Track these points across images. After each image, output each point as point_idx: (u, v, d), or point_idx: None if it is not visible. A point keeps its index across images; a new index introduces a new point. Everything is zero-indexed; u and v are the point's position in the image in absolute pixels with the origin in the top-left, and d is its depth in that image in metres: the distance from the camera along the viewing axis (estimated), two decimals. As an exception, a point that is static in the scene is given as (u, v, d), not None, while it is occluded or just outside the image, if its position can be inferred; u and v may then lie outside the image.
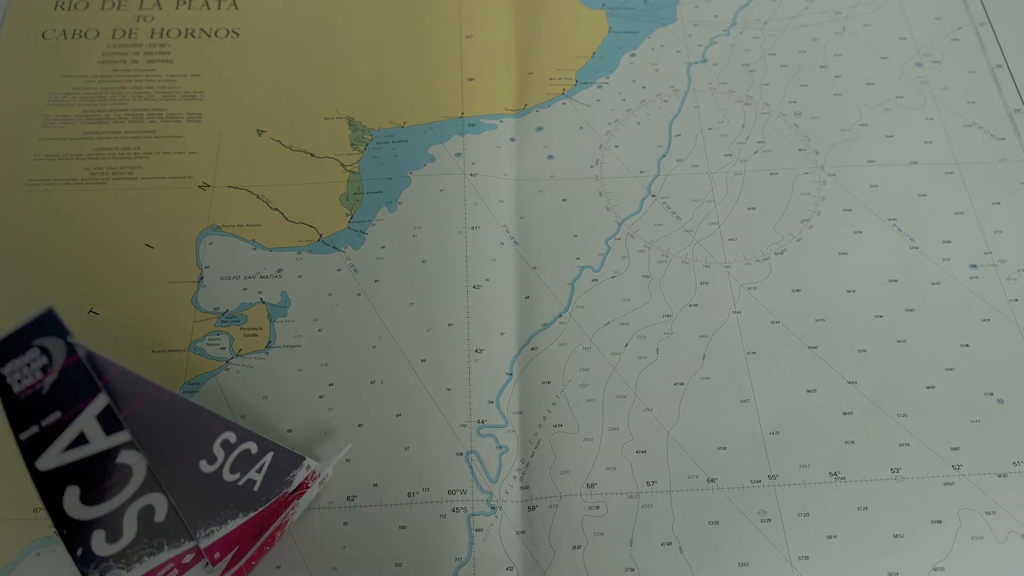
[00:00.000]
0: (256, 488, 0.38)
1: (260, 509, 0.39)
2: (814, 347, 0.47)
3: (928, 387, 0.46)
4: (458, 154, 0.53)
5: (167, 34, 0.58)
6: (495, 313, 0.48)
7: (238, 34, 0.58)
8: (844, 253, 0.50)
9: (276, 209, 0.51)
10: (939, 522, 0.43)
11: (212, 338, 0.48)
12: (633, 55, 0.57)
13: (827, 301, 0.49)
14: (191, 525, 0.36)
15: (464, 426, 0.46)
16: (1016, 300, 0.49)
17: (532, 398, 0.46)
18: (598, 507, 0.43)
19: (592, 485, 0.44)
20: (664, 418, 0.46)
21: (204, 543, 0.37)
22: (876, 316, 0.48)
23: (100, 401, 0.30)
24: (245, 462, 0.37)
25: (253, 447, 0.37)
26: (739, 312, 0.48)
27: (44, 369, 0.28)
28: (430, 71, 0.56)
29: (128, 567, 0.34)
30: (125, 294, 0.49)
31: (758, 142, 0.54)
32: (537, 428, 0.45)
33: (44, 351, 0.27)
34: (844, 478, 0.44)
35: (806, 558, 0.42)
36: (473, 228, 0.51)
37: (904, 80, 0.56)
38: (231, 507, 0.38)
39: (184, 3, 0.59)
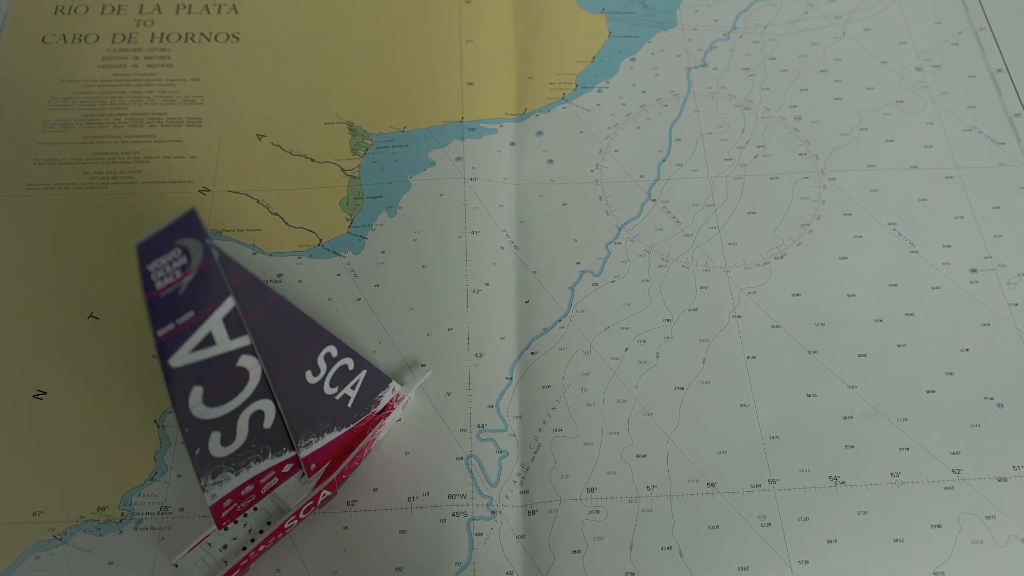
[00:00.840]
0: (350, 404, 0.41)
1: (352, 425, 0.42)
2: (814, 351, 0.48)
3: (928, 391, 0.47)
4: (458, 158, 0.53)
5: (167, 38, 0.59)
6: (495, 317, 0.49)
7: (238, 39, 0.59)
8: (844, 257, 0.51)
9: (276, 214, 0.52)
10: (939, 526, 0.44)
11: (212, 343, 0.48)
12: (633, 59, 0.58)
13: (827, 305, 0.49)
14: (294, 434, 0.38)
15: (464, 430, 0.46)
16: (1016, 304, 0.49)
17: (532, 402, 0.47)
18: (598, 511, 0.44)
19: (592, 489, 0.44)
20: (664, 422, 0.46)
21: (303, 453, 0.40)
22: (876, 320, 0.49)
23: (228, 304, 0.31)
24: (343, 377, 0.40)
25: (350, 363, 0.40)
26: (739, 316, 0.49)
27: (183, 269, 0.29)
28: (430, 76, 0.57)
29: (237, 471, 0.37)
30: (125, 299, 0.49)
31: (758, 146, 0.54)
32: (537, 432, 0.46)
33: (184, 251, 0.29)
34: (844, 482, 0.45)
35: (806, 562, 0.43)
36: (473, 232, 0.51)
37: (904, 84, 0.57)
38: (328, 421, 0.40)
39: (184, 7, 0.60)
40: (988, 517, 0.44)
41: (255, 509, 0.42)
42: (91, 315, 0.49)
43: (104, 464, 0.45)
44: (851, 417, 0.46)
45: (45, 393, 0.47)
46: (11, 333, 0.48)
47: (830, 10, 0.60)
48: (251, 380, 0.34)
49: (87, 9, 0.60)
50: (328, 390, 0.39)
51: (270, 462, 0.38)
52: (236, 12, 0.60)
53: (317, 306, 0.49)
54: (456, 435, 0.46)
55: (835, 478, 0.45)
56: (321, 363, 0.38)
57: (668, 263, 0.51)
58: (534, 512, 0.44)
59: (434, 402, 0.47)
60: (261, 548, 0.42)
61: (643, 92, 0.56)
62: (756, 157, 0.54)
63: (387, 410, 0.44)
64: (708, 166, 0.54)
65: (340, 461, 0.43)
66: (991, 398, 0.47)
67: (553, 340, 0.48)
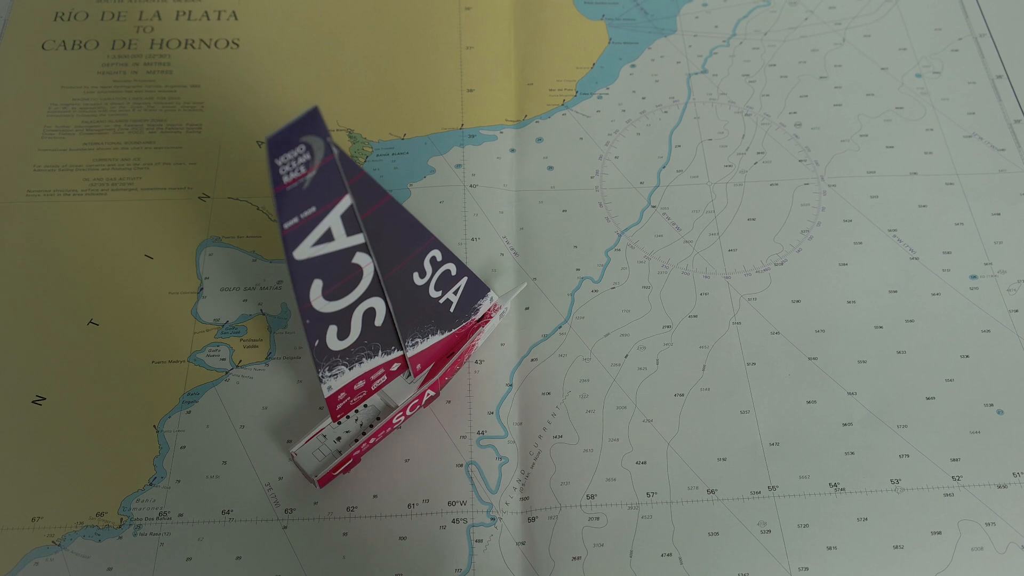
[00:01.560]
0: (452, 309, 0.44)
1: (453, 330, 0.45)
2: (814, 358, 0.49)
3: (928, 398, 0.48)
4: (458, 165, 0.54)
5: (167, 45, 0.59)
6: (495, 324, 0.50)
7: (238, 45, 0.59)
8: (844, 264, 0.51)
9: (276, 220, 0.53)
10: (939, 533, 0.44)
11: (212, 349, 0.49)
12: (633, 66, 0.59)
13: (827, 312, 0.50)
14: (402, 333, 0.42)
15: (464, 438, 0.47)
16: (1016, 311, 0.50)
17: (532, 409, 0.47)
18: (598, 518, 0.44)
19: (592, 496, 0.45)
20: (664, 429, 0.47)
21: (410, 353, 0.43)
22: (876, 327, 0.50)
23: (345, 202, 0.34)
24: (446, 282, 0.43)
25: (453, 269, 0.42)
26: (739, 323, 0.50)
27: (307, 165, 0.31)
28: (430, 82, 0.57)
29: (350, 365, 0.40)
30: (125, 305, 0.50)
31: (758, 153, 0.55)
32: (537, 439, 0.46)
33: (308, 148, 0.31)
34: (844, 489, 0.45)
35: (806, 569, 0.43)
36: (473, 239, 0.52)
37: (904, 91, 0.58)
38: (432, 323, 0.44)
39: (184, 14, 0.61)
40: (988, 524, 0.44)
41: (365, 406, 0.46)
42: (90, 321, 0.50)
43: (103, 469, 0.46)
44: (851, 424, 0.47)
45: (44, 399, 0.47)
46: (11, 339, 0.49)
47: (830, 16, 0.61)
48: (364, 277, 0.38)
49: (87, 16, 0.60)
50: (433, 293, 0.42)
51: (380, 359, 0.42)
52: (236, 19, 0.61)
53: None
54: (456, 442, 0.47)
55: (835, 485, 0.45)
56: (427, 266, 0.41)
57: (668, 269, 0.51)
58: (534, 519, 0.44)
59: (434, 409, 0.47)
60: (372, 440, 0.45)
61: (643, 98, 0.57)
62: (756, 163, 0.55)
63: (486, 318, 0.47)
64: (708, 172, 0.55)
65: (443, 364, 0.46)
66: (991, 405, 0.47)
67: (553, 346, 0.49)
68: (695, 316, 0.50)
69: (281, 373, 0.48)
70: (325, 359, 0.39)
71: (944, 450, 0.46)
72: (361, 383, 0.42)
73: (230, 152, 0.55)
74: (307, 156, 0.31)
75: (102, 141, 0.55)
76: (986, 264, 0.51)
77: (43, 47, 0.59)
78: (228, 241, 0.52)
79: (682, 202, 0.54)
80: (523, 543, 0.44)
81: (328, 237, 0.34)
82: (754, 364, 0.48)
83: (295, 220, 0.33)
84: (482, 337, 0.48)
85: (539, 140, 0.56)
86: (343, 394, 0.42)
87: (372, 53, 0.59)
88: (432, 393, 0.47)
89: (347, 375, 0.41)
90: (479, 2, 0.61)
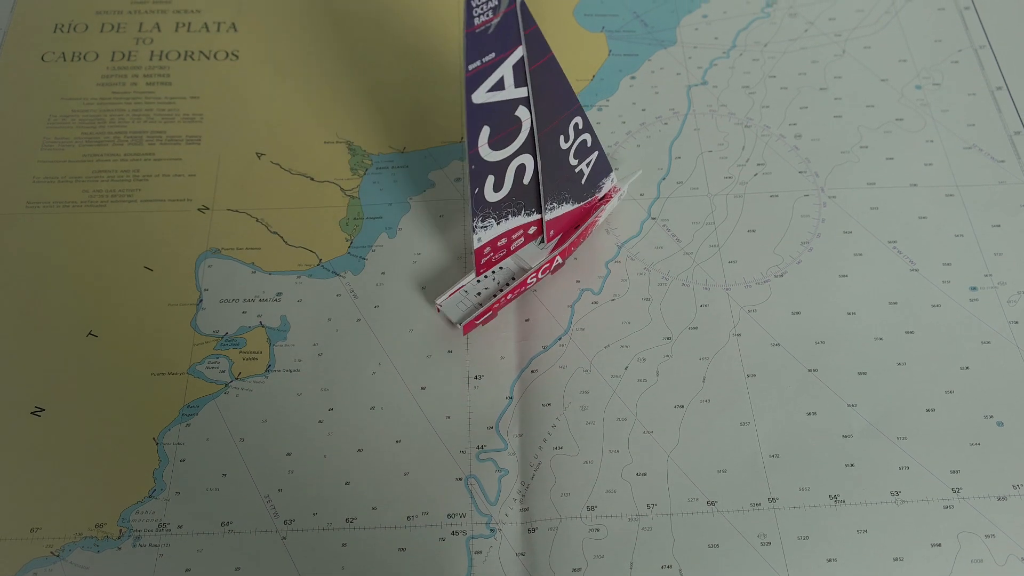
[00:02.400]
0: (583, 181, 0.50)
1: (581, 204, 0.51)
2: (814, 370, 0.50)
3: (928, 410, 0.49)
4: (458, 179, 0.55)
5: (166, 56, 0.61)
6: (495, 337, 0.51)
7: (237, 57, 0.61)
8: (844, 275, 0.53)
9: (275, 233, 0.54)
10: (939, 545, 0.45)
11: (211, 361, 0.50)
12: (633, 78, 0.60)
13: (827, 323, 0.51)
14: (544, 194, 0.47)
15: (464, 452, 0.48)
16: (1016, 322, 0.51)
17: (532, 421, 0.48)
18: (598, 529, 0.45)
19: (592, 507, 0.46)
20: (664, 441, 0.48)
21: (547, 216, 0.49)
22: (876, 339, 0.51)
23: (519, 52, 0.39)
24: (582, 152, 0.48)
25: (588, 140, 0.48)
26: (739, 335, 0.51)
27: (494, 10, 0.36)
28: (430, 96, 0.59)
29: (498, 220, 0.47)
30: (124, 317, 0.51)
31: (758, 164, 0.56)
32: (537, 450, 0.47)
33: None
34: (844, 501, 0.46)
35: (806, 581, 0.44)
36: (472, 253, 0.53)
37: (904, 102, 0.59)
38: (566, 192, 0.49)
39: (183, 26, 0.62)
40: (987, 536, 0.45)
41: (500, 268, 0.51)
42: (90, 333, 0.51)
43: (102, 481, 0.47)
44: (851, 435, 0.48)
45: (43, 410, 0.48)
46: (10, 350, 0.50)
47: (830, 28, 0.62)
48: (522, 132, 0.43)
49: (86, 27, 0.62)
50: (572, 160, 0.47)
51: (521, 219, 0.48)
52: (235, 30, 0.62)
53: (316, 326, 0.51)
54: (456, 457, 0.48)
55: (835, 496, 0.46)
56: (571, 131, 0.46)
57: (668, 281, 0.52)
58: (534, 530, 0.45)
59: (433, 425, 0.48)
60: (508, 296, 0.51)
61: (643, 110, 0.58)
62: (756, 175, 0.56)
63: (607, 197, 0.53)
64: (708, 184, 0.56)
65: (569, 234, 0.52)
66: (991, 416, 0.48)
67: (553, 358, 0.50)
68: (695, 328, 0.51)
69: (281, 386, 0.49)
70: (480, 209, 0.45)
71: (944, 462, 0.47)
72: (503, 241, 0.49)
73: (230, 164, 0.56)
74: (495, 1, 0.36)
75: (101, 153, 0.57)
76: (986, 276, 0.53)
77: (43, 59, 0.60)
78: (228, 253, 0.53)
79: (682, 214, 0.55)
80: (523, 554, 0.45)
81: (500, 86, 0.40)
82: (754, 376, 0.49)
83: (477, 63, 0.38)
84: (603, 215, 0.53)
85: (539, 152, 0.57)
86: (488, 249, 0.48)
87: (372, 66, 0.60)
88: (560, 260, 0.52)
89: (494, 229, 0.47)
90: (479, 14, 0.62)
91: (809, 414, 0.48)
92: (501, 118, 0.42)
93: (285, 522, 0.46)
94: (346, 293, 0.52)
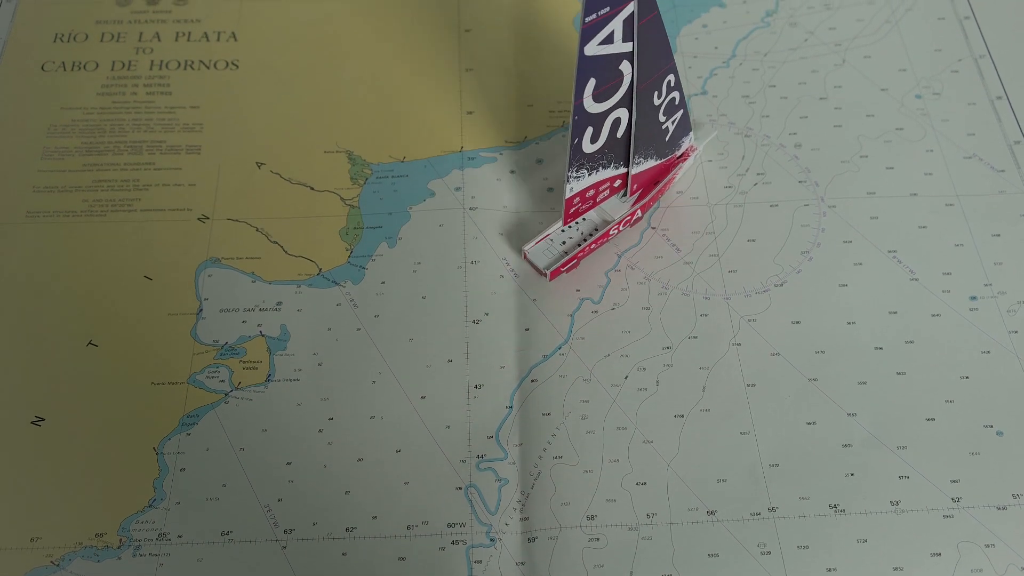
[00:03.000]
0: (667, 138, 0.54)
1: (663, 160, 0.55)
2: (814, 379, 0.51)
3: (928, 419, 0.49)
4: (458, 188, 0.56)
5: (166, 66, 0.62)
6: (495, 347, 0.52)
7: (237, 66, 0.62)
8: (844, 285, 0.53)
9: (275, 242, 0.55)
10: (938, 555, 0.46)
11: (211, 371, 0.51)
12: (633, 87, 0.61)
13: (827, 333, 0.52)
14: (634, 148, 0.51)
15: (464, 462, 0.49)
16: (1016, 332, 0.52)
17: (532, 430, 0.49)
18: (598, 539, 0.46)
19: (592, 517, 0.47)
20: (664, 450, 0.48)
21: (633, 170, 0.53)
22: (876, 348, 0.51)
23: (630, 7, 0.43)
24: (670, 109, 0.52)
25: (677, 98, 0.52)
26: (739, 344, 0.52)
27: None
28: (430, 105, 0.60)
29: (590, 171, 0.51)
30: (124, 326, 0.52)
31: (758, 174, 0.57)
32: (537, 460, 0.48)
33: None
34: (844, 510, 0.47)
35: (806, 590, 0.45)
36: (473, 262, 0.54)
37: (904, 112, 0.60)
38: (652, 148, 0.53)
39: (183, 35, 0.63)
40: (987, 546, 0.46)
41: (584, 219, 0.55)
42: (90, 342, 0.52)
43: (102, 491, 0.47)
44: (851, 445, 0.49)
45: (44, 419, 0.49)
46: (10, 360, 0.51)
47: (830, 37, 0.63)
48: (622, 87, 0.47)
49: (86, 37, 0.63)
50: (661, 117, 0.51)
51: (610, 172, 0.52)
52: (235, 40, 0.63)
53: (316, 336, 0.52)
54: (456, 466, 0.48)
55: (835, 506, 0.47)
56: (664, 88, 0.50)
57: (668, 291, 0.53)
58: (534, 539, 0.46)
59: (433, 435, 0.49)
60: (592, 245, 0.54)
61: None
62: (756, 184, 0.57)
63: (685, 155, 0.56)
64: (708, 194, 0.57)
65: (649, 190, 0.55)
66: (991, 426, 0.49)
67: (553, 367, 0.51)
68: (695, 337, 0.52)
69: (281, 396, 0.50)
70: (576, 159, 0.49)
71: (944, 471, 0.48)
72: (591, 192, 0.52)
73: (230, 173, 0.57)
74: None
75: (101, 162, 0.58)
76: (986, 285, 0.53)
77: (43, 68, 0.61)
78: (228, 262, 0.54)
79: (682, 223, 0.56)
80: (523, 563, 0.46)
81: (610, 39, 0.44)
82: (754, 385, 0.50)
83: (593, 16, 0.42)
84: (680, 173, 0.57)
85: (539, 161, 0.58)
86: (577, 199, 0.52)
87: (372, 75, 0.61)
88: (640, 214, 0.55)
89: (585, 180, 0.51)
90: (478, 24, 0.63)
91: (809, 423, 0.49)
92: (606, 71, 0.45)
93: (285, 531, 0.46)
94: (346, 302, 0.53)
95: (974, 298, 0.53)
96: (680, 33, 0.63)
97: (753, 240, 0.55)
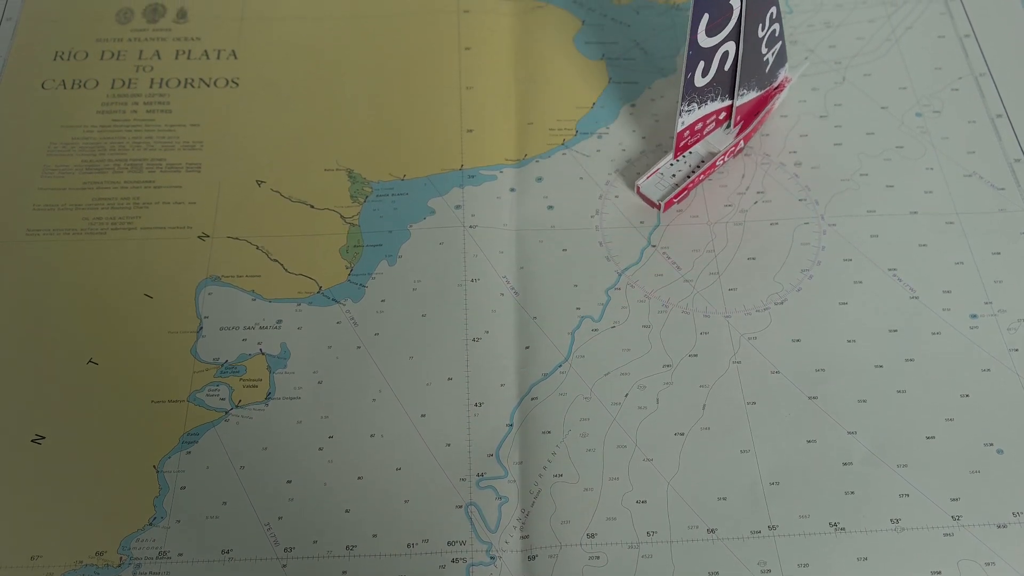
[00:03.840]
0: (767, 69, 0.58)
1: (762, 91, 0.59)
2: (814, 397, 0.52)
3: (928, 437, 0.51)
4: (458, 206, 0.58)
5: (166, 84, 0.63)
6: (495, 365, 0.53)
7: (237, 84, 0.64)
8: (844, 303, 0.55)
9: (276, 260, 0.56)
10: (939, 573, 0.47)
11: (211, 389, 0.52)
12: (633, 105, 0.63)
13: (827, 351, 0.53)
14: (739, 79, 0.56)
15: (464, 480, 0.50)
16: (1016, 350, 0.53)
17: (532, 448, 0.50)
18: (598, 557, 0.47)
19: (592, 535, 0.48)
20: (664, 468, 0.50)
21: (737, 102, 0.57)
22: (876, 366, 0.53)
23: None
24: (771, 41, 0.56)
25: (777, 30, 0.56)
26: (739, 362, 0.53)
27: None
28: (430, 123, 0.61)
29: (700, 105, 0.55)
30: (124, 344, 0.53)
31: (758, 192, 0.59)
32: (537, 478, 0.50)
33: None
34: (844, 528, 0.48)
35: (806, 609, 0.46)
36: (473, 280, 0.55)
37: (904, 130, 0.61)
38: (754, 80, 0.58)
39: (183, 53, 0.65)
40: (988, 564, 0.47)
41: (691, 153, 0.59)
42: (90, 360, 0.53)
43: (103, 509, 0.49)
44: (851, 463, 0.50)
45: (44, 437, 0.51)
46: (10, 378, 0.52)
47: (830, 55, 0.65)
48: (731, 20, 0.52)
49: (87, 55, 0.65)
50: (763, 49, 0.56)
51: (716, 105, 0.57)
52: (235, 58, 0.65)
53: (316, 354, 0.53)
54: (456, 484, 0.50)
55: (835, 524, 0.48)
56: (767, 19, 0.55)
57: (668, 309, 0.55)
58: (534, 557, 0.47)
59: (433, 453, 0.51)
60: (700, 177, 0.59)
61: (643, 138, 0.61)
62: (756, 203, 0.59)
63: (780, 87, 0.61)
64: (708, 212, 0.58)
65: (750, 121, 0.60)
66: (991, 444, 0.51)
67: (553, 385, 0.52)
68: (695, 355, 0.53)
69: (281, 414, 0.52)
70: (688, 93, 0.54)
71: (944, 490, 0.49)
72: (699, 125, 0.57)
73: (230, 191, 0.59)
74: None
75: (102, 180, 0.59)
76: (986, 303, 0.55)
77: (43, 86, 0.63)
78: (228, 280, 0.56)
79: (682, 241, 0.57)
80: (523, 582, 0.47)
81: None
82: (754, 403, 0.52)
83: None
84: (776, 104, 0.61)
85: (539, 179, 0.59)
86: (687, 132, 0.56)
87: (372, 93, 0.63)
88: (742, 144, 0.60)
89: (695, 114, 0.55)
90: (479, 42, 0.65)
91: (809, 442, 0.51)
92: (719, 6, 0.50)
93: (285, 550, 0.48)
94: (346, 320, 0.54)
95: (974, 316, 0.55)
96: (680, 52, 0.65)
97: (753, 258, 0.57)
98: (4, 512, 0.49)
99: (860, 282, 0.56)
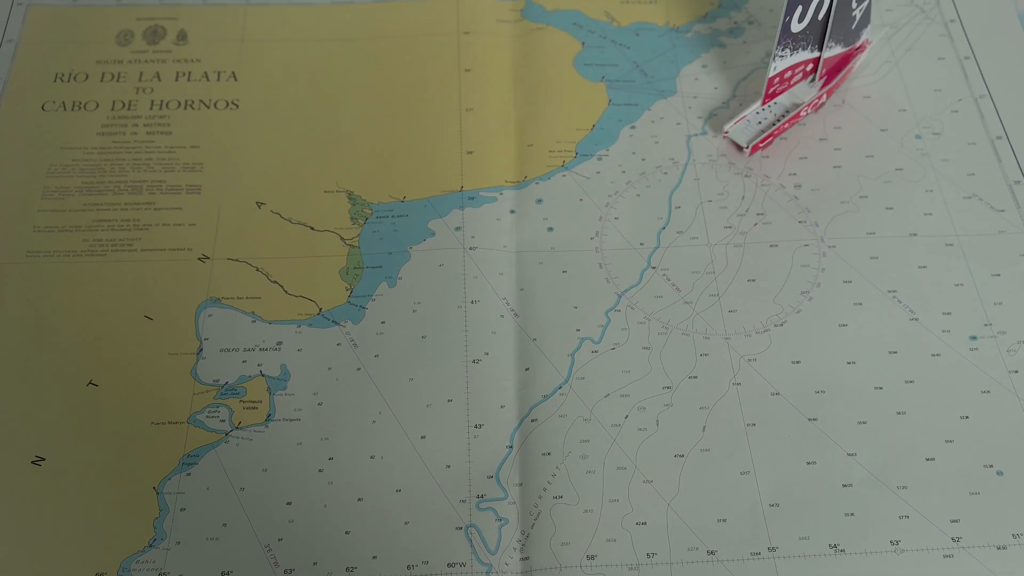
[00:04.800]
0: (853, 26, 0.63)
1: (846, 48, 0.64)
2: (814, 419, 0.54)
3: (928, 459, 0.52)
4: (458, 228, 0.60)
5: (166, 106, 0.65)
6: (495, 386, 0.55)
7: (237, 106, 0.66)
8: (844, 325, 0.57)
9: (275, 282, 0.58)
10: (939, 594, 0.49)
11: (212, 410, 0.54)
12: (633, 127, 0.65)
13: (827, 373, 0.55)
14: (830, 30, 0.61)
15: (464, 501, 0.51)
16: (1016, 372, 0.55)
17: (532, 470, 0.52)
18: (598, 578, 0.49)
19: (592, 557, 0.49)
20: (664, 490, 0.51)
21: (825, 54, 0.63)
22: (876, 388, 0.54)
23: None
24: None
25: None
26: (739, 384, 0.55)
27: None
28: (430, 145, 0.63)
29: (792, 52, 0.61)
30: (124, 366, 0.55)
31: (758, 214, 0.61)
32: (537, 499, 0.51)
33: None
34: (844, 550, 0.50)
35: (806, 630, 0.48)
36: (473, 302, 0.57)
37: (904, 152, 0.63)
38: (841, 34, 0.63)
39: (183, 75, 0.67)
40: (988, 585, 0.49)
41: (776, 103, 0.64)
42: (90, 382, 0.55)
43: (102, 530, 0.50)
44: (851, 485, 0.52)
45: (44, 459, 0.52)
46: (10, 399, 0.54)
47: (830, 78, 0.67)
48: None
49: (87, 77, 0.66)
50: (853, 3, 0.61)
51: (805, 55, 0.62)
52: (235, 79, 0.67)
53: (316, 376, 0.55)
54: (456, 506, 0.51)
55: (835, 546, 0.50)
56: None
57: (668, 330, 0.57)
58: (534, 578, 0.49)
59: (433, 474, 0.52)
60: (785, 125, 0.64)
61: (643, 160, 0.63)
62: (756, 225, 0.60)
63: (862, 47, 0.66)
64: (708, 234, 0.60)
65: (833, 77, 0.65)
66: (991, 466, 0.52)
67: (553, 407, 0.54)
68: (695, 377, 0.55)
69: (281, 435, 0.53)
70: (784, 38, 0.59)
71: (944, 511, 0.51)
72: (788, 74, 0.62)
73: (230, 213, 0.61)
74: None
75: (102, 202, 0.61)
76: (986, 325, 0.57)
77: (43, 108, 0.65)
78: (228, 302, 0.57)
79: (682, 263, 0.59)
80: (523, 603, 0.48)
81: None
82: (754, 425, 0.53)
83: None
84: (856, 64, 0.66)
85: (539, 201, 0.61)
86: (777, 79, 0.62)
87: (372, 115, 0.65)
88: (825, 99, 0.65)
89: (786, 60, 0.61)
90: (479, 63, 0.67)
91: (809, 463, 0.52)
92: None
93: (285, 571, 0.49)
94: (346, 342, 0.56)
95: (974, 338, 0.56)
96: (680, 74, 0.67)
97: (753, 280, 0.58)
98: (4, 534, 0.50)
99: (860, 304, 0.57)
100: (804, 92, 0.64)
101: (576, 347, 0.56)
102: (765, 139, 0.63)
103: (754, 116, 0.64)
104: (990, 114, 0.65)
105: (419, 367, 0.55)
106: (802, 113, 0.64)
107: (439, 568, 0.49)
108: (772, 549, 0.50)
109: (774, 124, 0.64)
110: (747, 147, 0.63)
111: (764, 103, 0.63)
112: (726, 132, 0.64)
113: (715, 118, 0.65)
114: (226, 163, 0.63)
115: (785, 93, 0.64)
